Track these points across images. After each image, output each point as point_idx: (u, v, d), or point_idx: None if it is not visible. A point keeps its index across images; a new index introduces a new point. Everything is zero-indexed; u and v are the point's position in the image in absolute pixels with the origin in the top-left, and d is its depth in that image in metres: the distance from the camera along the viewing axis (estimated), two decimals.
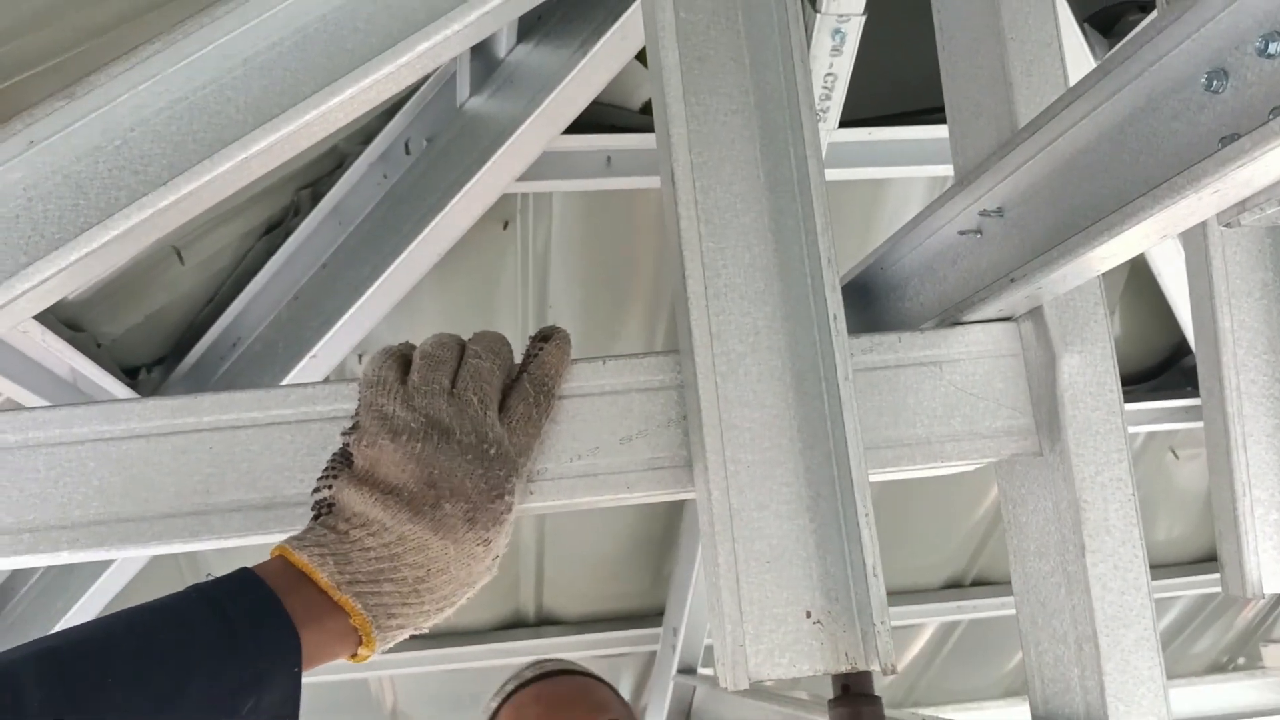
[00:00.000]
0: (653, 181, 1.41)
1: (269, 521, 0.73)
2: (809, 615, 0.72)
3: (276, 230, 1.42)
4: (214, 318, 1.44)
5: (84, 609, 1.55)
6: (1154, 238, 0.63)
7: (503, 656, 2.07)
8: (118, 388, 1.29)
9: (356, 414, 0.72)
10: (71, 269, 0.75)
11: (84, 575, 1.56)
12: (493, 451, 0.70)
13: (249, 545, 0.75)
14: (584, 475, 0.76)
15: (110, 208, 0.75)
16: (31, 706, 0.53)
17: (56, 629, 1.62)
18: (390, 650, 1.94)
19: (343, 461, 0.71)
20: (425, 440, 0.68)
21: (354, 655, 0.68)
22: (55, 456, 0.74)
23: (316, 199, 1.40)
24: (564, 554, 2.06)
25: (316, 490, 0.71)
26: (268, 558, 0.68)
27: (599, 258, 1.59)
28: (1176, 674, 2.62)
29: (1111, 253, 0.66)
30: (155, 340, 1.42)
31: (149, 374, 1.44)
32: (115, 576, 1.55)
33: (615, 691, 1.26)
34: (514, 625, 2.13)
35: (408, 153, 1.34)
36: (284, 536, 0.70)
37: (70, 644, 0.59)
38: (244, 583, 0.65)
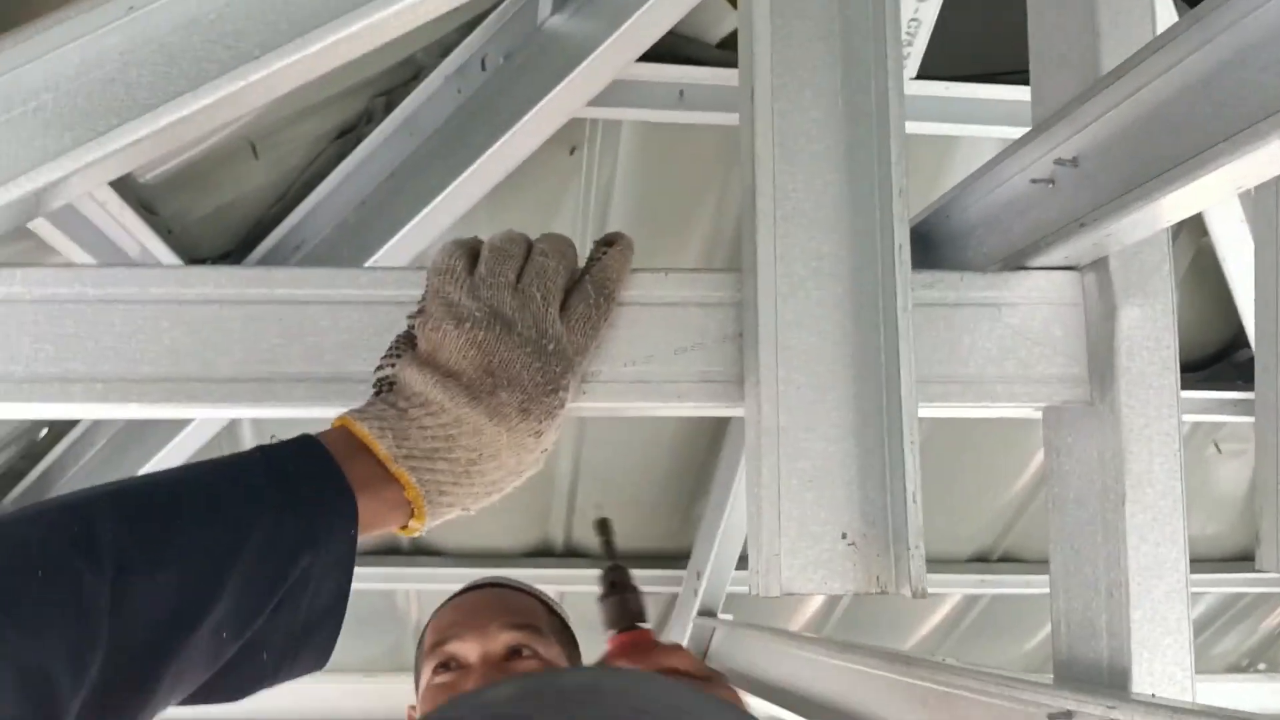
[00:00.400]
0: (723, 118, 1.41)
1: (331, 394, 0.76)
2: (845, 536, 0.74)
3: (349, 135, 1.44)
4: (280, 217, 1.47)
5: None
6: (1230, 187, 0.63)
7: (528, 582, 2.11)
8: None
9: (423, 299, 0.74)
10: (158, 135, 0.77)
11: (143, 450, 1.62)
12: (551, 347, 0.71)
13: (310, 418, 0.78)
14: (637, 381, 0.77)
15: (200, 78, 0.77)
16: (103, 541, 0.56)
17: None
18: (419, 566, 1.97)
19: (406, 343, 0.73)
20: (487, 329, 0.70)
21: (404, 528, 0.70)
22: (131, 313, 0.76)
23: (390, 108, 1.41)
24: (597, 489, 2.09)
25: (380, 368, 0.73)
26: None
27: (662, 192, 1.60)
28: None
29: (1186, 201, 0.66)
30: (222, 234, 1.45)
31: None
32: (175, 452, 1.61)
33: (547, 605, 1.24)
34: (541, 554, 2.17)
35: (484, 68, 1.35)
36: (345, 410, 0.72)
37: (140, 488, 0.61)
38: (306, 446, 0.67)
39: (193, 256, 1.39)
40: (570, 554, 2.18)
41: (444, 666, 1.15)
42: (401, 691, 2.21)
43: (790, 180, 0.78)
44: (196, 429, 1.64)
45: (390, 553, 2.09)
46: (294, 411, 0.77)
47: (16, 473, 1.86)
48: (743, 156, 0.79)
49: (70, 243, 1.17)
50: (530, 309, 0.72)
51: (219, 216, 1.39)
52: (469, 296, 0.72)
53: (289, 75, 0.79)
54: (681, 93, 1.38)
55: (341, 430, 0.69)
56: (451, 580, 2.14)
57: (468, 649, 1.14)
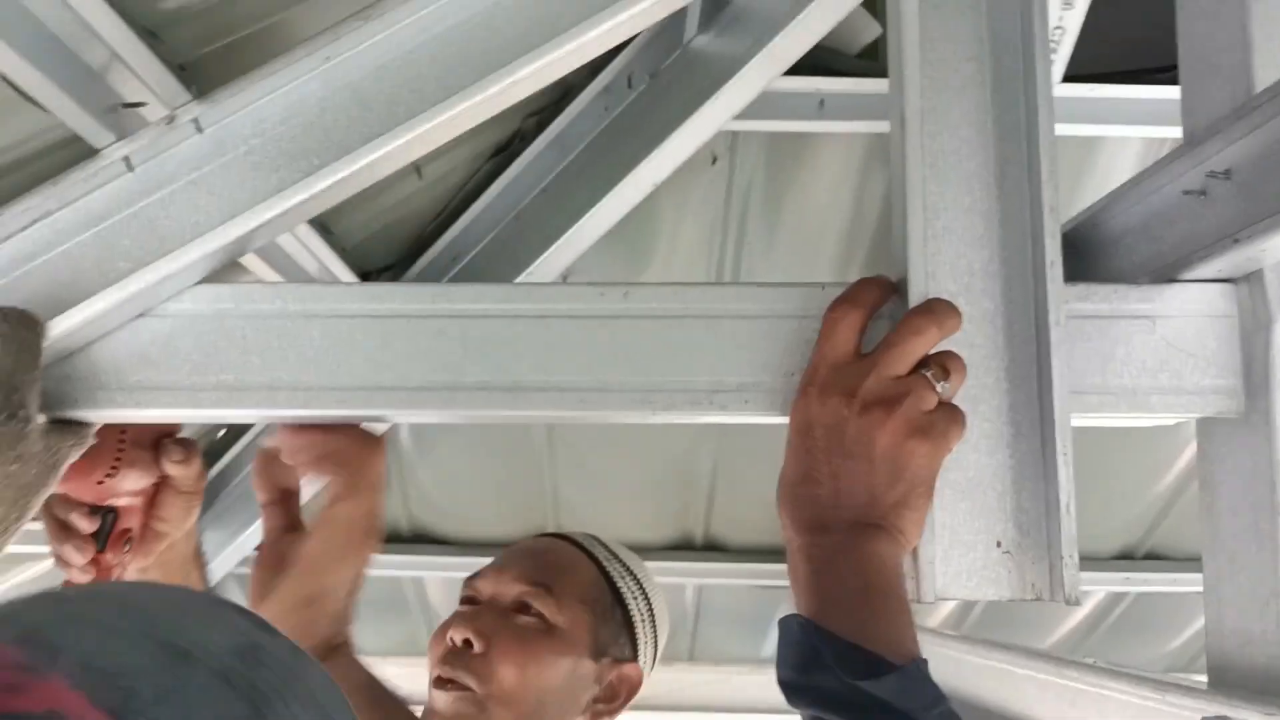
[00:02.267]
0: (863, 126, 1.43)
1: (510, 402, 0.81)
2: (999, 545, 0.77)
3: (503, 154, 1.52)
4: (440, 232, 1.56)
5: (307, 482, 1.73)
6: None
7: (668, 575, 2.17)
8: None
9: None
10: (356, 175, 0.83)
11: None
12: None
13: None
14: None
15: (391, 121, 0.83)
16: None
17: None
18: None
19: None
20: None
21: None
22: (329, 327, 0.83)
23: (541, 127, 1.48)
24: (735, 487, 2.13)
25: None
26: None
27: (799, 201, 1.63)
28: None
29: None
30: (387, 249, 1.55)
31: (378, 279, 1.57)
32: None
33: (607, 575, 1.18)
34: (681, 547, 2.23)
35: (630, 87, 1.41)
36: (525, 413, 0.80)
37: None
38: None
39: (362, 270, 1.49)
40: (709, 548, 2.23)
41: (466, 599, 1.15)
42: None
43: (940, 199, 0.81)
44: None
45: None
46: (477, 416, 0.82)
47: None
48: (893, 179, 0.82)
49: (258, 260, 1.27)
50: None
51: (386, 233, 1.48)
52: None
53: (469, 116, 0.84)
54: (822, 102, 1.41)
55: None
56: None
57: (484, 586, 1.14)
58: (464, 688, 1.05)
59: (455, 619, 1.11)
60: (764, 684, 2.25)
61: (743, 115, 1.37)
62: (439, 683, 1.07)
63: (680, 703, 2.32)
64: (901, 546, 0.74)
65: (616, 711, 1.13)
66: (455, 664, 1.06)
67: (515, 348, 0.82)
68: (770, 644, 2.45)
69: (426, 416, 0.84)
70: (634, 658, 1.16)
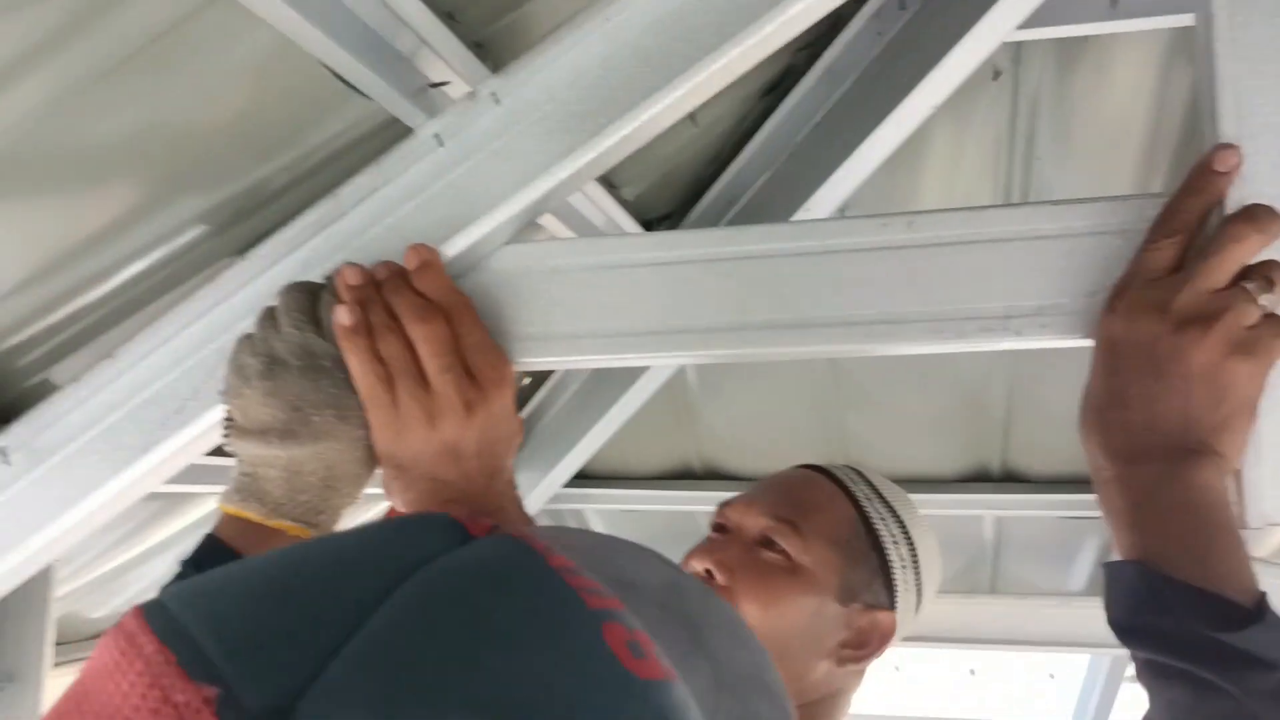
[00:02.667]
0: (1163, 22, 1.32)
1: (795, 339, 0.82)
2: None
3: (774, 92, 1.52)
4: (715, 177, 1.58)
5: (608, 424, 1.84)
6: None
7: (964, 507, 2.13)
8: None
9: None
10: (640, 130, 0.87)
11: (605, 396, 1.83)
12: (326, 364, 0.81)
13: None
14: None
15: (670, 73, 0.85)
16: None
17: (584, 440, 1.91)
18: None
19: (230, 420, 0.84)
20: (271, 377, 0.80)
21: None
22: (623, 276, 0.87)
23: (812, 60, 1.47)
24: (1034, 414, 2.05)
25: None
26: None
27: (1093, 110, 1.52)
28: None
29: None
30: (667, 198, 1.59)
31: (658, 228, 1.62)
32: (634, 395, 1.81)
33: (864, 514, 1.10)
34: (977, 479, 2.17)
35: (903, 7, 1.37)
36: (812, 349, 0.81)
37: None
38: (210, 546, 0.80)
39: (644, 220, 1.54)
40: (1007, 479, 2.16)
41: (716, 526, 1.13)
42: None
43: (1255, 94, 0.75)
44: (649, 377, 1.83)
45: None
46: (764, 353, 0.84)
47: None
48: (1199, 75, 0.77)
49: (551, 217, 1.34)
50: (290, 341, 0.81)
51: (664, 182, 1.53)
52: (249, 356, 0.81)
53: (743, 59, 0.86)
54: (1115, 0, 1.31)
55: (224, 516, 0.81)
56: None
57: (733, 515, 1.11)
58: None
59: (700, 547, 1.10)
60: (1070, 618, 2.17)
61: (1027, 24, 1.30)
62: None
63: (982, 635, 2.27)
64: (1224, 472, 0.70)
65: (866, 659, 1.06)
66: None
67: (801, 284, 0.83)
68: (1077, 576, 2.35)
69: (717, 357, 0.86)
70: (890, 605, 1.08)
